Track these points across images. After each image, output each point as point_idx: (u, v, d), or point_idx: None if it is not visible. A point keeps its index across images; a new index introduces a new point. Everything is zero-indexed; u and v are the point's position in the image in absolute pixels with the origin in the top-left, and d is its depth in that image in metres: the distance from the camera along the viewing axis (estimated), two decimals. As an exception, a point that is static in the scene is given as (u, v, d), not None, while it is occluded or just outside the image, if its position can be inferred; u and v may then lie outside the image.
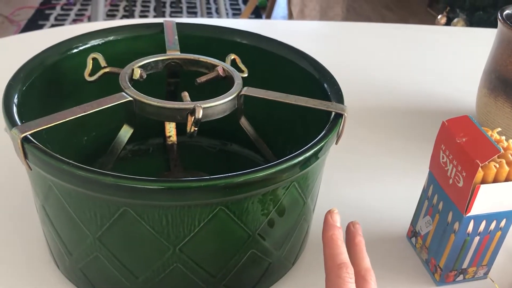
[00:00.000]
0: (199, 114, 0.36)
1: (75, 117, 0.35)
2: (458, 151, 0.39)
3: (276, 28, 0.93)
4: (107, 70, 0.42)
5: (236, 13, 2.63)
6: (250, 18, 2.44)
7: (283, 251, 0.40)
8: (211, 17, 2.51)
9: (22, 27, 2.33)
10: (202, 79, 0.42)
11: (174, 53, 0.44)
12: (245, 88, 0.40)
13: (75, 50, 0.45)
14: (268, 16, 2.43)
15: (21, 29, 2.31)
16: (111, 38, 0.47)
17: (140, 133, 0.47)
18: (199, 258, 0.35)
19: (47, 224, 0.38)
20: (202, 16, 2.35)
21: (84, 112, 0.35)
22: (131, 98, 0.37)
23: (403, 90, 0.73)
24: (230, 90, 0.40)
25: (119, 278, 0.36)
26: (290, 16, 2.14)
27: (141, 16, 2.47)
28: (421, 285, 0.44)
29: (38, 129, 0.33)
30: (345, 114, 0.38)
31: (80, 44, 0.45)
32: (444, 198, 0.42)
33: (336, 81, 0.43)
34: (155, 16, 2.43)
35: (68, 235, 0.36)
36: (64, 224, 0.36)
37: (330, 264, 0.35)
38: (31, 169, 0.34)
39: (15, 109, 0.36)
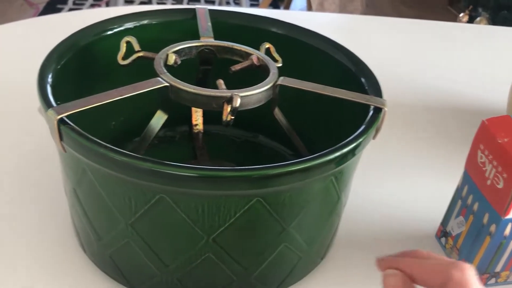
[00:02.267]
0: (237, 102, 0.35)
1: (111, 100, 0.34)
2: (499, 152, 0.38)
3: (296, 19, 0.91)
4: (140, 54, 0.41)
5: (254, 4, 2.61)
6: (268, 8, 2.42)
7: (313, 246, 0.39)
8: (229, 6, 2.50)
9: (40, 10, 2.33)
10: (237, 67, 0.41)
11: (208, 40, 0.44)
12: (281, 78, 0.39)
13: (109, 33, 0.44)
14: (287, 7, 2.41)
15: (39, 12, 2.31)
16: (144, 22, 0.46)
17: (168, 120, 0.47)
18: (231, 249, 0.34)
19: (76, 207, 0.38)
20: (220, 5, 2.34)
21: (121, 96, 0.34)
22: (167, 84, 0.36)
23: (427, 87, 0.72)
24: (266, 80, 0.39)
25: (149, 265, 0.36)
26: (309, 8, 2.11)
27: (158, 3, 2.46)
28: (450, 286, 0.44)
29: (74, 111, 0.32)
30: (385, 109, 0.37)
31: (114, 27, 0.44)
32: (480, 199, 0.41)
33: (374, 75, 0.42)
34: (172, 4, 2.42)
35: (99, 220, 0.36)
36: (96, 209, 0.35)
37: None
38: (65, 151, 0.33)
39: (49, 90, 0.36)
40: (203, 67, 0.46)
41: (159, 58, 0.39)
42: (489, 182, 0.40)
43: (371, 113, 0.37)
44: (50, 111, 0.32)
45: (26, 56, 0.67)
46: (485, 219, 0.40)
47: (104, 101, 0.33)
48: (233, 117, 0.36)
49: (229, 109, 0.36)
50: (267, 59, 0.41)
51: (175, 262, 0.35)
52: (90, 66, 0.44)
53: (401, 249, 0.45)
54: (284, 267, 0.38)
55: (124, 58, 0.41)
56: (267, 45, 0.44)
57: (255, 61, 0.41)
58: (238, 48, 0.43)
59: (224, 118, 0.36)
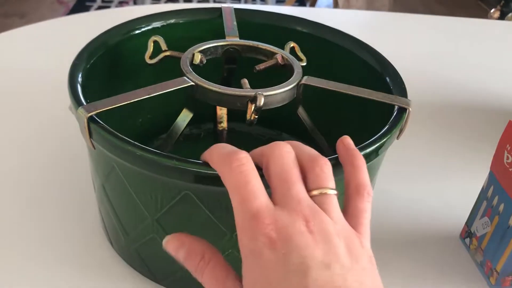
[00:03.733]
0: (261, 102, 0.36)
1: (139, 99, 0.35)
2: (526, 153, 0.38)
3: (322, 16, 0.91)
4: (167, 53, 0.42)
5: (280, 1, 2.61)
6: (293, 6, 2.41)
7: None
8: (255, 4, 2.50)
9: (70, 7, 2.38)
10: (261, 66, 0.42)
11: (233, 39, 0.44)
12: (306, 77, 0.40)
13: (136, 32, 0.45)
14: (313, 5, 2.39)
15: (70, 10, 2.35)
16: (171, 21, 0.47)
17: (193, 117, 0.47)
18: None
19: (105, 203, 0.39)
20: (246, 3, 2.34)
21: (148, 95, 0.35)
22: (192, 83, 0.37)
23: (457, 85, 0.71)
24: (290, 79, 0.39)
25: (173, 260, 0.36)
26: (335, 5, 2.10)
27: (184, 1, 2.47)
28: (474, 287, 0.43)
29: (104, 109, 0.33)
30: (410, 109, 0.37)
31: (142, 26, 0.45)
32: (506, 200, 0.40)
33: (399, 74, 0.42)
34: (198, 2, 2.43)
35: (126, 215, 0.37)
36: (123, 204, 0.36)
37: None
38: (94, 148, 0.34)
39: (79, 88, 0.37)
40: (228, 66, 0.47)
41: (185, 57, 0.40)
42: (515, 183, 0.39)
43: (395, 113, 0.37)
44: (80, 109, 0.33)
45: (57, 55, 0.69)
46: (511, 220, 0.40)
47: (132, 100, 0.34)
48: (256, 117, 0.36)
49: (252, 108, 0.36)
50: (292, 58, 0.42)
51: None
52: (118, 65, 0.45)
53: (424, 250, 0.45)
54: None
55: (151, 57, 0.42)
56: (292, 44, 0.45)
57: (279, 60, 0.42)
58: (263, 47, 0.43)
59: (248, 117, 0.36)
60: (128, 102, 0.34)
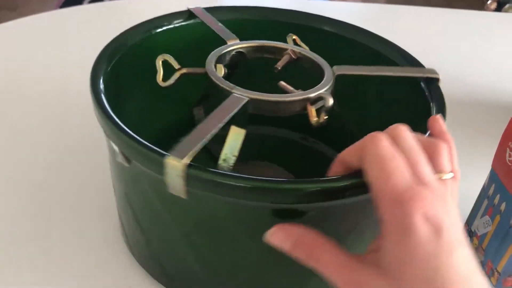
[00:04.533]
0: (329, 102, 0.34)
1: (216, 130, 0.32)
2: (529, 151, 0.37)
3: (317, 8, 0.90)
4: (183, 71, 0.38)
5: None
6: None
7: None
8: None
9: (63, 1, 2.35)
10: (280, 64, 0.40)
11: (234, 41, 0.41)
12: (335, 67, 0.39)
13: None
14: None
15: (62, 3, 2.33)
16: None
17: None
18: (281, 268, 0.34)
19: (127, 211, 0.38)
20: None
21: (220, 123, 0.32)
22: (247, 99, 0.34)
23: (456, 80, 0.70)
24: (327, 73, 0.38)
25: (197, 272, 0.36)
26: (331, -3, 2.08)
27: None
28: None
29: (195, 153, 0.29)
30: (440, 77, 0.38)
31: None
32: (508, 198, 0.40)
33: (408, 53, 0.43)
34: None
35: (150, 226, 0.37)
36: (148, 216, 0.36)
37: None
38: (186, 197, 0.30)
39: (107, 106, 0.34)
40: (230, 71, 0.43)
41: (213, 72, 0.36)
42: (517, 182, 0.38)
43: (431, 87, 0.38)
44: (172, 158, 0.29)
45: (49, 49, 0.68)
46: (513, 220, 0.39)
47: (212, 132, 0.31)
48: (326, 117, 0.35)
49: (313, 110, 0.35)
50: (310, 52, 0.40)
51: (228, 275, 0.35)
52: (137, 67, 0.43)
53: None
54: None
55: (164, 79, 0.37)
56: (294, 36, 0.43)
57: (292, 55, 0.40)
58: (269, 45, 0.41)
59: (312, 119, 0.35)
60: (210, 135, 0.31)
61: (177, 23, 0.44)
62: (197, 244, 0.35)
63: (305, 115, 0.36)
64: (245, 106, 0.34)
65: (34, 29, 0.74)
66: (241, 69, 0.40)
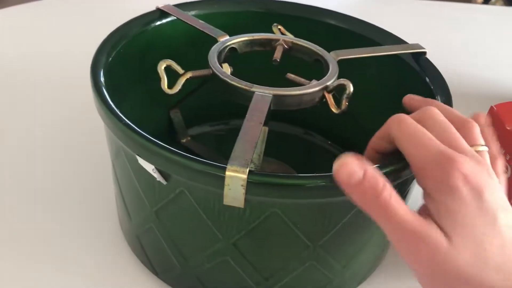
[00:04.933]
0: (351, 88, 0.34)
1: (262, 133, 0.33)
2: (508, 139, 0.37)
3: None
4: (189, 75, 0.35)
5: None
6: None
7: (349, 269, 0.37)
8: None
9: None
10: (277, 56, 0.39)
11: (225, 38, 0.39)
12: (333, 52, 0.38)
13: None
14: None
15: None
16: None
17: (222, 114, 0.47)
18: (251, 255, 0.33)
19: (115, 185, 0.38)
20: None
21: (261, 124, 0.31)
22: (270, 95, 0.33)
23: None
24: (329, 60, 0.38)
25: (170, 256, 0.36)
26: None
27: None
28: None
29: (250, 159, 0.28)
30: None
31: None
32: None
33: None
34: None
35: (130, 200, 0.36)
36: (128, 189, 0.36)
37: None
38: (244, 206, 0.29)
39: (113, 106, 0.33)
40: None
41: (226, 73, 0.35)
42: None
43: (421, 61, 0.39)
44: (234, 170, 0.27)
45: (36, 39, 0.67)
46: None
47: (260, 135, 0.30)
48: (347, 104, 0.34)
49: (331, 98, 0.35)
50: (302, 41, 0.40)
51: (193, 258, 0.35)
52: (138, 58, 0.42)
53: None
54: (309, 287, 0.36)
55: (170, 86, 0.35)
56: (279, 26, 0.43)
57: (285, 45, 0.40)
58: (259, 37, 0.40)
59: (332, 107, 0.35)
60: (259, 139, 0.31)
61: (149, 25, 0.42)
62: (164, 224, 0.34)
63: (307, 110, 0.36)
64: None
65: (20, 19, 0.73)
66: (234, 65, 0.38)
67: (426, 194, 0.28)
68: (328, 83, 0.35)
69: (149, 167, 0.30)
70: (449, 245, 0.26)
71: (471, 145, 0.29)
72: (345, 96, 0.34)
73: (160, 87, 0.35)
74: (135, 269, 0.40)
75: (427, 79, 0.40)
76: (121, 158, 0.34)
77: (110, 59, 0.38)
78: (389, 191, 0.27)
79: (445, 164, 0.26)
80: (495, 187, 0.27)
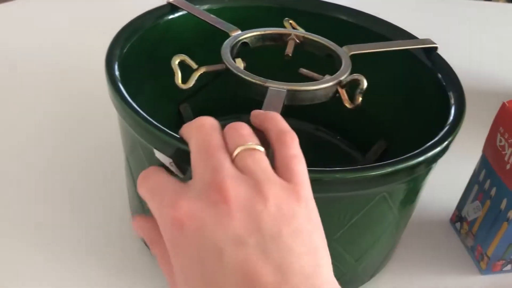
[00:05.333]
0: (365, 83, 0.34)
1: None
2: (520, 136, 0.37)
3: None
4: (202, 70, 0.35)
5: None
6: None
7: (361, 263, 0.37)
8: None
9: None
10: (289, 51, 0.39)
11: (237, 33, 0.39)
12: (345, 47, 0.38)
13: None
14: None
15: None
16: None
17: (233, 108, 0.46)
18: None
19: (130, 177, 0.38)
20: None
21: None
22: (285, 90, 0.33)
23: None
24: (341, 54, 0.37)
25: None
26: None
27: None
28: (464, 272, 0.43)
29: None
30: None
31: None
32: (498, 183, 0.40)
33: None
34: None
35: None
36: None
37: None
38: None
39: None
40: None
41: (239, 69, 0.35)
42: (508, 166, 0.38)
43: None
44: None
45: (32, 34, 0.67)
46: (503, 204, 0.39)
47: None
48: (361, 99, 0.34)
49: (345, 93, 0.35)
50: (314, 35, 0.40)
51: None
52: (149, 52, 0.42)
53: (413, 235, 0.45)
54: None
55: (184, 82, 0.35)
56: (290, 20, 0.42)
57: (296, 39, 0.40)
58: (271, 32, 0.40)
59: (346, 102, 0.34)
60: None
61: (160, 19, 0.42)
62: None
63: (317, 106, 0.36)
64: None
65: (17, 15, 0.72)
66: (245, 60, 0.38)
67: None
68: (341, 78, 0.35)
69: (166, 161, 0.30)
70: None
71: (236, 147, 0.25)
72: (358, 91, 0.34)
73: (171, 82, 0.35)
74: (147, 263, 0.40)
75: (439, 75, 0.40)
76: (137, 152, 0.34)
77: (124, 52, 0.38)
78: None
79: (162, 213, 0.24)
80: (220, 222, 0.23)
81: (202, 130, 0.26)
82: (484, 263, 0.42)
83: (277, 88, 0.33)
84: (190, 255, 0.23)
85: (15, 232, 0.42)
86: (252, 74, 0.34)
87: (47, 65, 0.62)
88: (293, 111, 0.35)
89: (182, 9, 0.43)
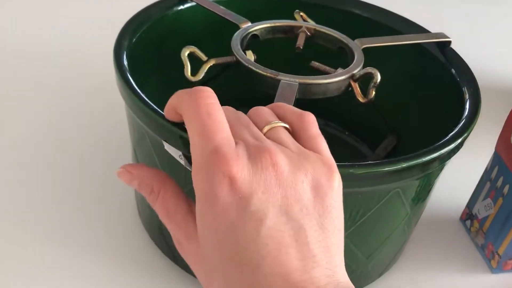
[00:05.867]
0: (378, 77, 0.33)
1: None
2: (535, 133, 0.36)
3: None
4: (212, 63, 0.35)
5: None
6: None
7: (372, 260, 0.36)
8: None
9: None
10: (300, 43, 0.38)
11: (247, 25, 0.39)
12: (357, 40, 0.38)
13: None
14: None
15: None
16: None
17: (240, 101, 0.44)
18: None
19: None
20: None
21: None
22: (297, 84, 0.33)
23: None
24: (354, 48, 0.37)
25: None
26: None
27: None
28: (474, 271, 0.42)
29: None
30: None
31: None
32: (511, 181, 0.39)
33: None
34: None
35: None
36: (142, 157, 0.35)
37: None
38: None
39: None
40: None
41: (250, 61, 0.34)
42: (522, 164, 0.38)
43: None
44: None
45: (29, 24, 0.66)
46: (516, 202, 0.39)
47: None
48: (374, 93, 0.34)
49: (357, 87, 0.34)
50: (326, 28, 0.39)
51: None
52: (157, 44, 0.41)
53: (422, 232, 0.44)
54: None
55: (193, 74, 0.35)
56: (301, 13, 0.42)
57: (308, 32, 0.39)
58: (281, 24, 0.39)
59: (359, 96, 0.34)
60: None
61: (169, 10, 0.41)
62: None
63: (326, 101, 0.35)
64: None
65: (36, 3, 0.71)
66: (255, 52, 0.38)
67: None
68: (354, 72, 0.34)
69: (176, 153, 0.29)
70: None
71: (266, 124, 0.25)
72: (372, 85, 0.33)
73: (177, 73, 0.34)
74: (153, 257, 0.40)
75: (453, 71, 0.39)
76: (145, 144, 0.33)
77: (132, 43, 0.37)
78: (151, 200, 0.26)
79: (209, 162, 0.22)
80: (266, 186, 0.22)
81: (228, 108, 0.26)
82: (495, 261, 0.41)
83: (289, 81, 0.33)
84: (230, 218, 0.22)
85: (18, 229, 0.41)
86: (263, 67, 0.34)
87: (52, 58, 0.61)
88: (301, 106, 0.35)
89: (191, 1, 0.42)
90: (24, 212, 0.42)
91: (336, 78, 0.34)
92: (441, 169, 0.34)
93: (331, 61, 0.37)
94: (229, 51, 0.36)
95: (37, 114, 0.53)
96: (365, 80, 0.35)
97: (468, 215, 0.45)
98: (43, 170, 0.46)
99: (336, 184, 0.23)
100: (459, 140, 0.32)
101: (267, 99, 0.31)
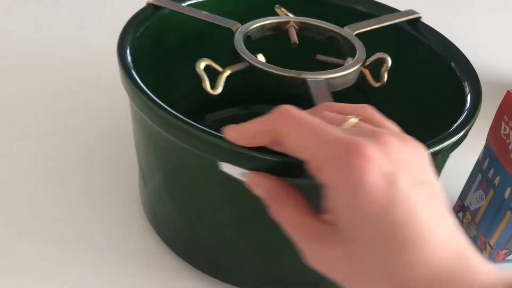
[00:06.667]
0: (389, 61, 0.34)
1: None
2: (525, 124, 0.37)
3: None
4: (228, 72, 0.34)
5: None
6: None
7: None
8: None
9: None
10: (294, 38, 0.38)
11: (240, 27, 0.38)
12: (346, 27, 0.38)
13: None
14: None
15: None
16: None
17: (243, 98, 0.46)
18: (257, 231, 0.34)
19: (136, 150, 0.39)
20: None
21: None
22: (323, 79, 0.32)
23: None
24: (348, 36, 0.37)
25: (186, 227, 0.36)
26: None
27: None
28: (467, 261, 0.42)
29: None
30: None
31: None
32: (501, 172, 0.39)
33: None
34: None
35: (146, 165, 0.37)
36: (145, 154, 0.36)
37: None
38: None
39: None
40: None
41: (268, 65, 0.34)
42: (512, 155, 0.38)
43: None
44: None
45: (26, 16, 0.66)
46: (507, 193, 0.39)
47: None
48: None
49: (369, 73, 0.35)
50: (312, 19, 0.39)
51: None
52: (163, 40, 0.41)
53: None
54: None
55: (213, 87, 0.33)
56: (281, 8, 0.42)
57: (296, 26, 0.39)
58: (270, 21, 0.39)
59: (372, 81, 0.35)
60: None
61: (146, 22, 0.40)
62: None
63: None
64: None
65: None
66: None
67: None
68: (365, 59, 0.35)
69: (235, 171, 0.29)
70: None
71: (342, 124, 0.25)
72: (384, 69, 0.35)
73: (176, 73, 0.34)
74: (161, 253, 0.40)
75: (452, 64, 0.39)
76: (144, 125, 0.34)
77: (135, 39, 0.37)
78: (281, 203, 0.26)
79: (344, 156, 0.22)
80: (404, 165, 0.23)
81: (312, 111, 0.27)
82: (486, 252, 0.42)
83: (314, 79, 0.32)
84: (381, 198, 0.22)
85: (22, 228, 0.41)
86: (284, 69, 0.33)
87: (54, 56, 0.61)
88: (299, 103, 0.35)
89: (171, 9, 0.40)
90: (27, 210, 0.42)
91: (353, 68, 0.34)
92: (445, 161, 0.35)
93: (321, 52, 0.37)
94: (229, 51, 0.35)
95: (37, 114, 0.53)
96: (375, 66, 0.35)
97: (460, 207, 0.45)
98: (46, 168, 0.46)
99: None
100: (462, 132, 0.32)
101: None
